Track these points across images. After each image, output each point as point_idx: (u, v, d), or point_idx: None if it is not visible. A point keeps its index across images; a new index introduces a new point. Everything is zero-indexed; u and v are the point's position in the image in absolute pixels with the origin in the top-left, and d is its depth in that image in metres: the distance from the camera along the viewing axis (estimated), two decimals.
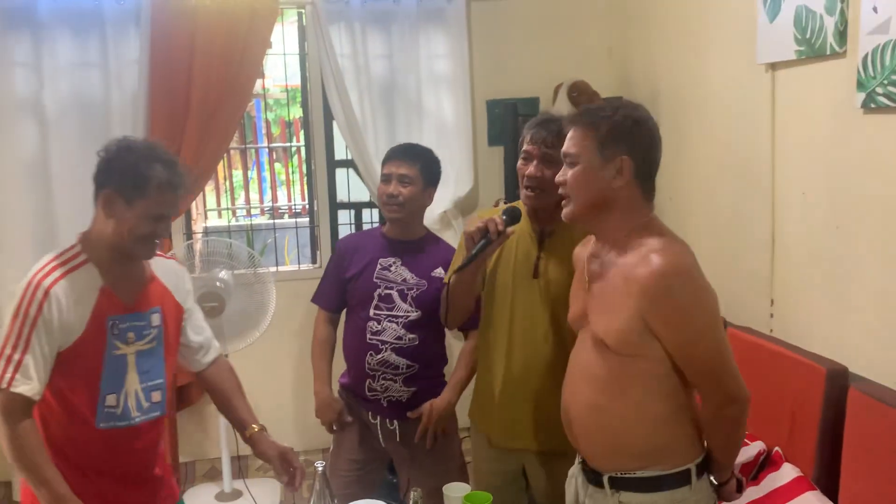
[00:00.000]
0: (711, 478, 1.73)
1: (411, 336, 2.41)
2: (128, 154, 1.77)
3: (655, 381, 1.65)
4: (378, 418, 2.49)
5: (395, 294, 2.43)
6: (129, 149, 1.78)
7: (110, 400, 1.78)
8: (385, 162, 2.52)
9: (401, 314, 2.41)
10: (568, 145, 1.71)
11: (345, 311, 2.59)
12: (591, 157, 1.67)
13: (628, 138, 1.67)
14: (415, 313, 2.42)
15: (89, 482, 1.79)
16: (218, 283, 3.15)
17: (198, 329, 2.06)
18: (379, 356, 2.41)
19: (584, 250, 1.88)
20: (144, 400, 1.84)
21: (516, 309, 2.14)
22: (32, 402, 1.67)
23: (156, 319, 1.87)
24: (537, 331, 2.12)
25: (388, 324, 2.42)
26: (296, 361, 3.97)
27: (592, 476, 1.74)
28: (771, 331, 2.72)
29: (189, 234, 3.96)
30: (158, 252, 1.90)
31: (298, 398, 4.01)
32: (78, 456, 1.78)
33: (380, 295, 2.44)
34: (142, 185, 1.73)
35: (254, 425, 2.02)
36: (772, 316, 2.73)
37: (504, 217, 2.01)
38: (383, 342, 2.41)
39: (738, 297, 2.89)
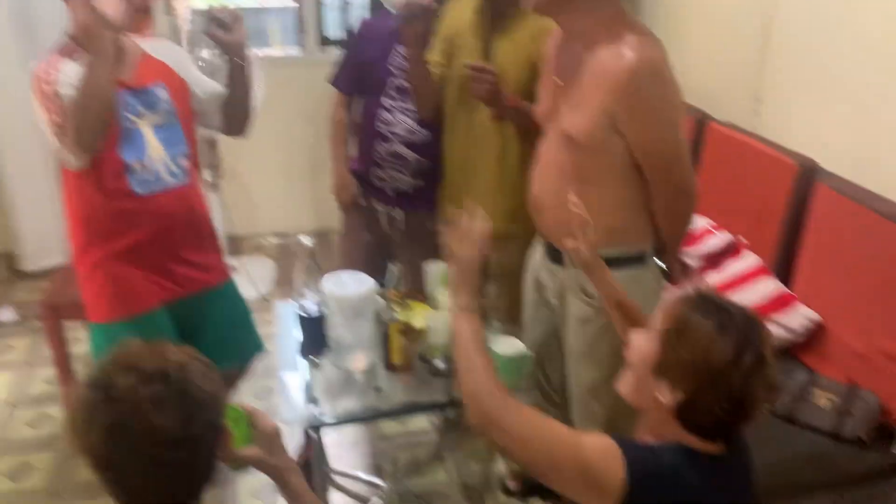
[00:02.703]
0: (659, 262, 1.87)
1: (425, 132, 2.34)
2: None
3: (617, 173, 1.72)
4: (383, 205, 2.54)
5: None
6: None
7: (136, 166, 1.85)
8: None
9: (415, 108, 2.34)
10: None
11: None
12: None
13: None
14: None
15: (143, 256, 1.92)
16: (200, 63, 3.09)
17: (208, 89, 2.05)
18: (388, 146, 2.39)
19: (551, 45, 1.85)
20: (174, 165, 1.92)
21: (466, 94, 2.13)
22: None
23: (162, 94, 1.90)
24: (483, 116, 2.14)
25: (402, 116, 2.36)
26: (282, 146, 4.03)
27: (556, 253, 1.87)
28: (754, 128, 2.75)
29: (169, 10, 3.82)
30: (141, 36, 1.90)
31: (287, 181, 4.12)
32: (128, 228, 1.88)
33: (396, 86, 2.36)
34: None
35: None
36: (756, 112, 2.75)
37: None
38: (394, 133, 2.37)
39: (724, 91, 2.89)
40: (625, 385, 1.24)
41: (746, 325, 1.11)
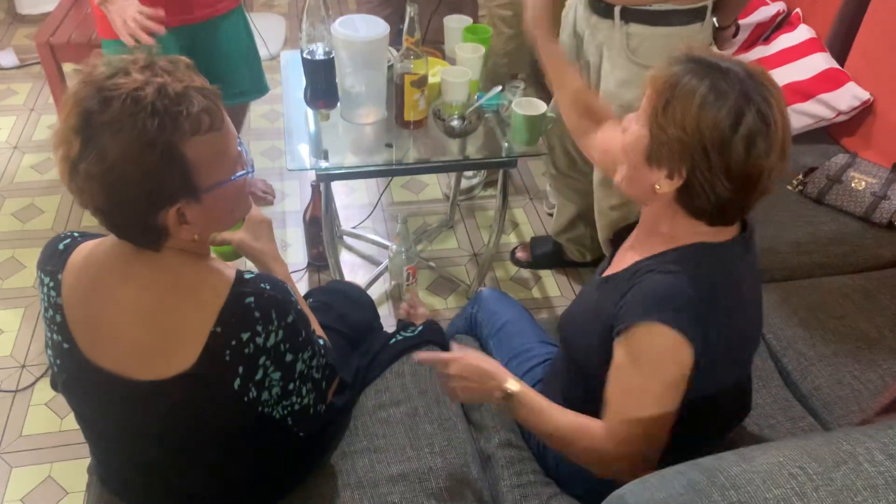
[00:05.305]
0: (715, 20, 1.66)
1: None
2: None
3: None
4: None
5: None
6: None
7: None
8: None
9: None
10: None
11: None
12: None
13: None
14: None
15: None
16: None
17: None
18: None
19: None
20: None
21: None
22: None
23: None
24: None
25: None
26: None
27: (602, 6, 1.65)
28: None
29: None
30: None
31: None
32: None
33: None
34: None
35: None
36: None
37: None
38: None
39: None
40: (620, 178, 1.06)
41: (748, 82, 0.91)
